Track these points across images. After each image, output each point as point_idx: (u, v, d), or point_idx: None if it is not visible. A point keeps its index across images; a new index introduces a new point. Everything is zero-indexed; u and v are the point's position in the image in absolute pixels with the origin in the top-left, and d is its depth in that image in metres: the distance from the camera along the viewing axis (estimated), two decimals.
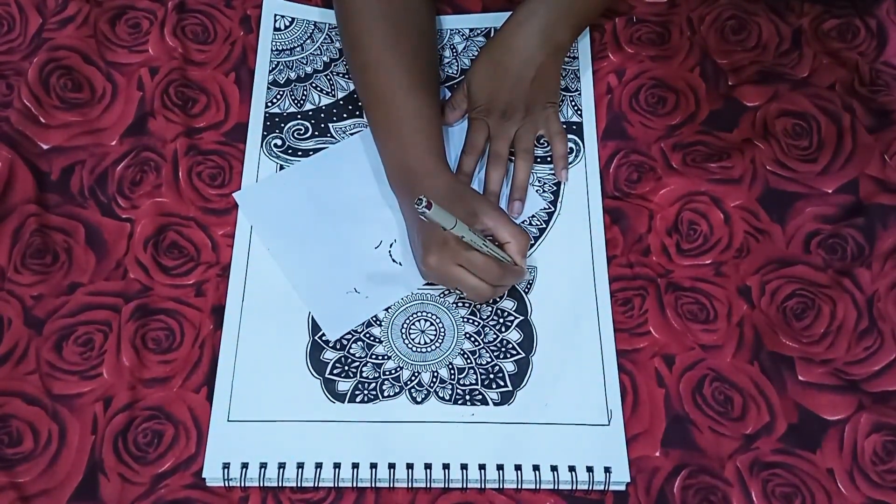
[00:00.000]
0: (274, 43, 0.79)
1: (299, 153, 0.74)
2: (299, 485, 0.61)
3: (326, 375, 0.64)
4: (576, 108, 0.76)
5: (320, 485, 0.61)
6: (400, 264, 0.69)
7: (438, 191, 0.63)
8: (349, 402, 0.63)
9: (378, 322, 0.67)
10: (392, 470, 0.61)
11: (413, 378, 0.64)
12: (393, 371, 0.65)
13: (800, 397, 0.63)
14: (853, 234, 0.69)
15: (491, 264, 0.61)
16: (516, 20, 0.71)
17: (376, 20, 0.69)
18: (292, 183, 0.72)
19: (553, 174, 0.73)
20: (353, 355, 0.65)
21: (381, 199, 0.71)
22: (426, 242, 0.63)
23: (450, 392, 0.64)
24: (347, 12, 0.71)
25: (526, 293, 0.68)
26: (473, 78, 0.73)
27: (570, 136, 0.74)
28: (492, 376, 0.64)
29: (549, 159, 0.73)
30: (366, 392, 0.64)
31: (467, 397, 0.64)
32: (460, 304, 0.67)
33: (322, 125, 0.75)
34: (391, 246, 0.69)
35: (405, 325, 0.66)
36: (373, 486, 0.61)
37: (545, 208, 0.71)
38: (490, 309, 0.67)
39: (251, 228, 0.70)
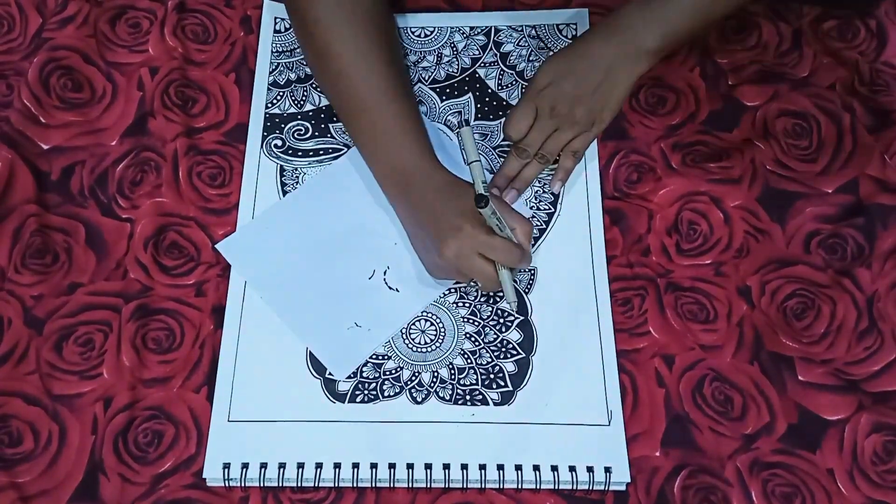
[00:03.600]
0: (274, 45, 0.79)
1: (299, 153, 0.74)
2: (299, 485, 0.61)
3: (326, 375, 0.64)
4: None
5: (320, 485, 0.61)
6: (398, 290, 0.68)
7: (436, 188, 0.64)
8: (349, 402, 0.63)
9: None
10: (392, 470, 0.61)
11: (413, 378, 0.64)
12: (393, 371, 0.65)
13: (800, 397, 0.63)
14: (853, 234, 0.69)
15: (510, 246, 0.62)
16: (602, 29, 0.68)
17: (342, 26, 0.67)
18: (273, 225, 0.70)
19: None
20: None
21: (366, 228, 0.69)
22: (440, 233, 0.62)
23: (450, 392, 0.64)
24: (310, 21, 0.68)
25: (526, 293, 0.68)
26: (543, 75, 0.69)
27: None
28: (492, 376, 0.64)
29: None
30: (366, 392, 0.64)
31: (467, 397, 0.64)
32: (460, 304, 0.67)
33: (322, 126, 0.75)
34: (385, 273, 0.68)
35: (405, 325, 0.66)
36: (373, 486, 0.61)
37: (545, 208, 0.71)
38: (490, 309, 0.67)
39: (245, 284, 0.67)
